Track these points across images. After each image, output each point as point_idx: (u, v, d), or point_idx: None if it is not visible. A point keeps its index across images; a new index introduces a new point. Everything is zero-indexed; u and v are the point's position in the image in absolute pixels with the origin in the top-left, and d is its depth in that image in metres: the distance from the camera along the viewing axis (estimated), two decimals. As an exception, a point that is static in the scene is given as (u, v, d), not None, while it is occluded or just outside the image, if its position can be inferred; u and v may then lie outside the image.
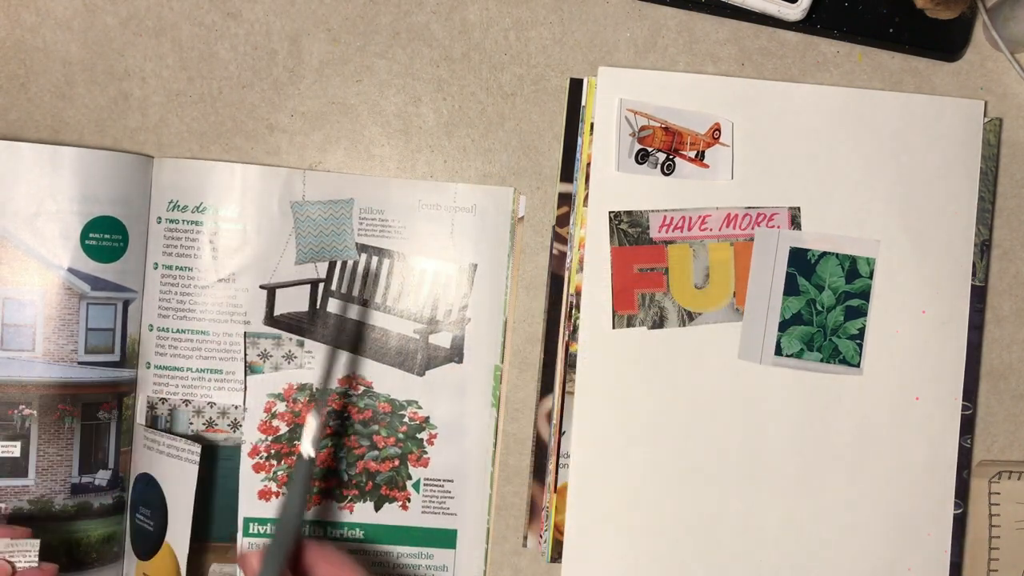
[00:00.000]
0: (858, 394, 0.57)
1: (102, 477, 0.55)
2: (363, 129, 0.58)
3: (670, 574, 0.57)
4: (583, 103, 0.57)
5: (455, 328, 0.58)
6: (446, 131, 0.58)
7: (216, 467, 0.57)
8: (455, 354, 0.58)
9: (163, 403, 0.56)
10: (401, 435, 0.58)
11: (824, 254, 0.57)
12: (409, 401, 0.58)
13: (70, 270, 0.54)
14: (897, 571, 0.57)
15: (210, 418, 0.56)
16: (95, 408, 0.55)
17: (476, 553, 0.58)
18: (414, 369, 0.58)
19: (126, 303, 0.56)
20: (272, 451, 0.57)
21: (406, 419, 0.58)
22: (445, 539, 0.58)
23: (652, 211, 0.57)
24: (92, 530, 0.55)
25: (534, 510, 0.58)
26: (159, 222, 0.56)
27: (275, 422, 0.57)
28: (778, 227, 0.57)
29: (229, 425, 0.57)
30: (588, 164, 0.57)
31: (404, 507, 0.58)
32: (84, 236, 0.54)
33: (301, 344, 0.57)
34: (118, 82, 0.57)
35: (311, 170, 0.57)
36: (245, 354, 0.57)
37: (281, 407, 0.57)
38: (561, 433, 0.57)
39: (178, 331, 0.56)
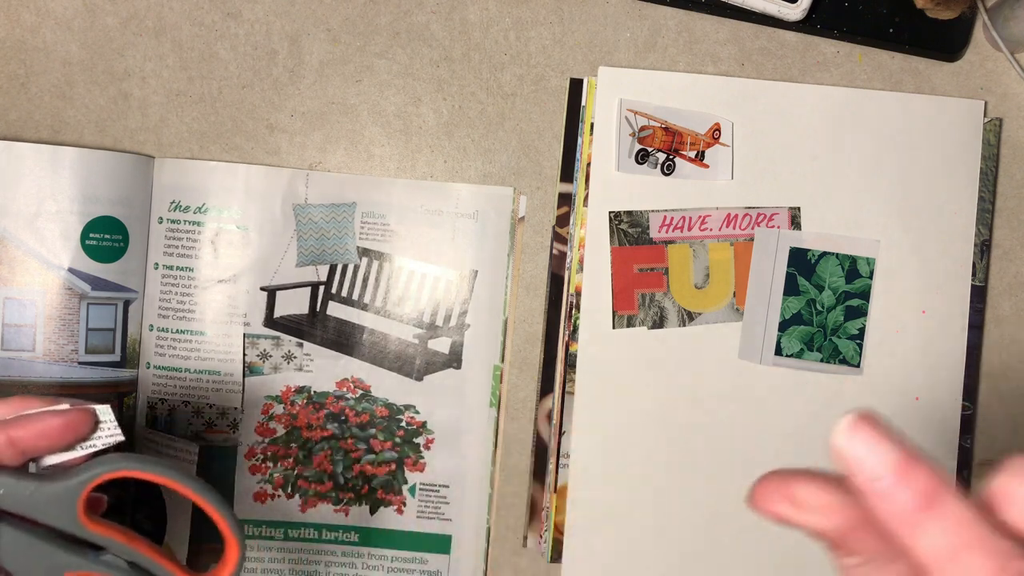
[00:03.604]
0: (858, 394, 0.60)
1: (103, 477, 0.59)
2: (363, 129, 0.61)
3: (670, 574, 0.60)
4: (583, 103, 0.60)
5: (454, 334, 0.61)
6: (446, 131, 0.61)
7: (215, 468, 0.60)
8: (453, 359, 0.61)
9: (162, 403, 0.60)
10: (398, 439, 0.61)
11: (824, 254, 0.61)
12: (407, 406, 0.61)
13: (70, 270, 0.57)
14: (897, 571, 0.61)
15: (209, 419, 0.60)
16: (96, 408, 0.59)
17: (471, 558, 0.61)
18: (412, 374, 0.61)
19: (126, 303, 0.59)
20: (269, 453, 0.60)
21: (403, 423, 0.61)
22: (440, 544, 0.61)
23: (652, 211, 0.60)
24: (93, 530, 0.59)
25: (534, 510, 0.61)
26: (160, 222, 0.59)
27: (272, 424, 0.60)
28: (778, 227, 0.60)
29: (228, 426, 0.60)
30: (588, 164, 0.60)
31: (399, 511, 0.61)
32: (84, 236, 0.57)
33: (300, 345, 0.60)
34: (118, 82, 0.60)
35: (313, 171, 0.60)
36: (244, 356, 0.60)
37: (279, 409, 0.60)
38: (561, 433, 0.60)
39: (178, 332, 0.59)
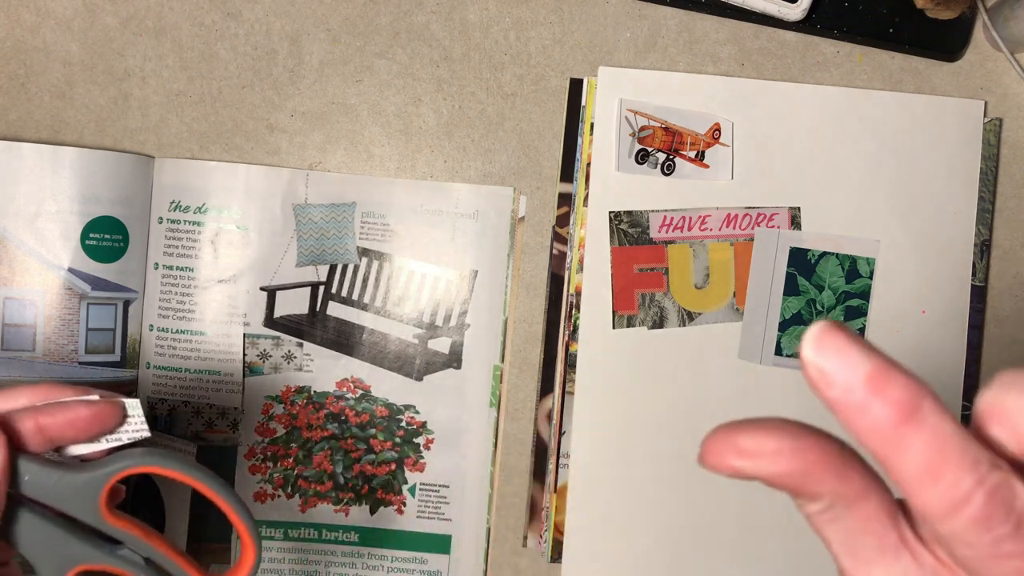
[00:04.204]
0: (858, 394, 0.61)
1: (103, 477, 0.59)
2: (363, 129, 0.61)
3: (670, 574, 0.61)
4: (583, 103, 0.61)
5: (454, 334, 0.61)
6: (446, 131, 0.61)
7: (215, 468, 0.60)
8: (453, 360, 0.61)
9: (163, 403, 0.60)
10: (398, 439, 0.61)
11: (824, 254, 0.61)
12: (407, 405, 0.61)
13: (70, 270, 0.57)
14: (897, 571, 0.61)
15: (209, 419, 0.60)
16: (96, 408, 0.59)
17: (471, 558, 0.61)
18: (412, 374, 0.61)
19: (126, 303, 0.59)
20: (268, 453, 0.60)
21: (403, 423, 0.61)
22: (440, 544, 0.61)
23: (652, 211, 0.61)
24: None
25: (534, 510, 0.61)
26: (160, 222, 0.59)
27: (272, 424, 0.60)
28: (778, 227, 0.61)
29: (228, 426, 0.60)
30: (588, 164, 0.60)
31: (399, 511, 0.61)
32: (84, 236, 0.57)
33: (300, 345, 0.61)
34: (118, 82, 0.60)
35: (313, 171, 0.60)
36: (244, 356, 0.60)
37: (279, 409, 0.60)
38: (561, 433, 0.60)
39: (178, 332, 0.60)
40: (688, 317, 0.61)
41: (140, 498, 0.60)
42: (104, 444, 0.38)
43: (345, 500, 0.61)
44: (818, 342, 0.21)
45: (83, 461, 0.38)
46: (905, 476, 0.20)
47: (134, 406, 0.38)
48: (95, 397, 0.37)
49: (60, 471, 0.36)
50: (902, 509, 0.23)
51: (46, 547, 0.36)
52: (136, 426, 0.38)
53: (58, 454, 0.38)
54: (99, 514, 0.37)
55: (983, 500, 0.20)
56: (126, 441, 0.38)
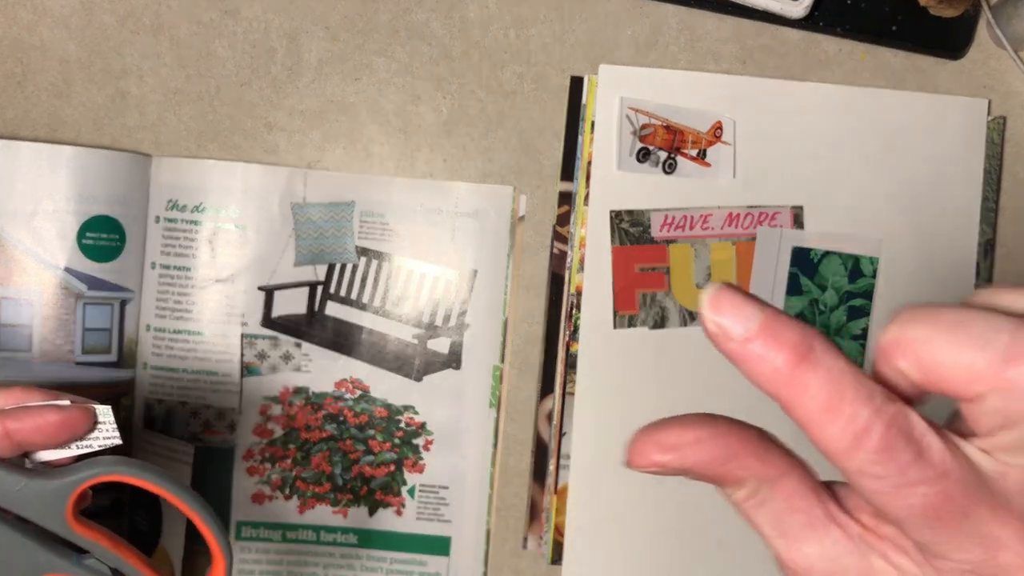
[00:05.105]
0: (861, 394, 0.61)
1: (99, 478, 0.59)
2: (362, 128, 0.61)
3: (670, 575, 0.62)
4: (584, 101, 0.60)
5: (454, 334, 0.61)
6: (446, 130, 0.61)
7: (213, 469, 0.60)
8: (453, 360, 0.61)
9: (160, 404, 0.60)
10: (397, 440, 0.61)
11: (827, 253, 0.61)
12: (406, 406, 0.61)
13: (67, 270, 0.57)
14: (901, 573, 0.61)
15: (207, 420, 0.60)
16: (92, 408, 0.58)
17: (470, 560, 0.61)
18: (411, 374, 0.61)
19: (123, 303, 0.59)
20: (266, 454, 0.60)
21: (402, 424, 0.61)
22: (439, 546, 0.61)
23: (653, 210, 0.60)
24: (89, 531, 0.58)
25: (534, 511, 0.61)
26: (157, 221, 0.59)
27: (270, 425, 0.60)
28: (780, 226, 0.60)
29: (226, 427, 0.60)
30: (589, 163, 0.60)
31: (398, 513, 0.61)
32: (81, 235, 0.57)
33: (299, 345, 0.60)
34: (115, 80, 0.60)
35: (311, 170, 0.60)
36: (242, 356, 0.60)
37: (277, 410, 0.60)
38: (561, 434, 0.60)
39: (175, 332, 0.59)
40: (690, 317, 0.60)
41: (137, 500, 0.59)
42: (73, 451, 0.38)
43: (344, 501, 0.61)
44: (714, 301, 0.22)
45: (51, 467, 0.37)
46: (807, 417, 0.22)
47: (105, 412, 0.38)
48: (66, 402, 0.37)
49: (26, 477, 0.36)
50: (827, 489, 0.25)
51: (10, 554, 0.36)
52: (107, 433, 0.38)
53: (25, 459, 0.38)
54: (65, 522, 0.36)
55: (882, 430, 0.21)
56: (96, 448, 0.38)
